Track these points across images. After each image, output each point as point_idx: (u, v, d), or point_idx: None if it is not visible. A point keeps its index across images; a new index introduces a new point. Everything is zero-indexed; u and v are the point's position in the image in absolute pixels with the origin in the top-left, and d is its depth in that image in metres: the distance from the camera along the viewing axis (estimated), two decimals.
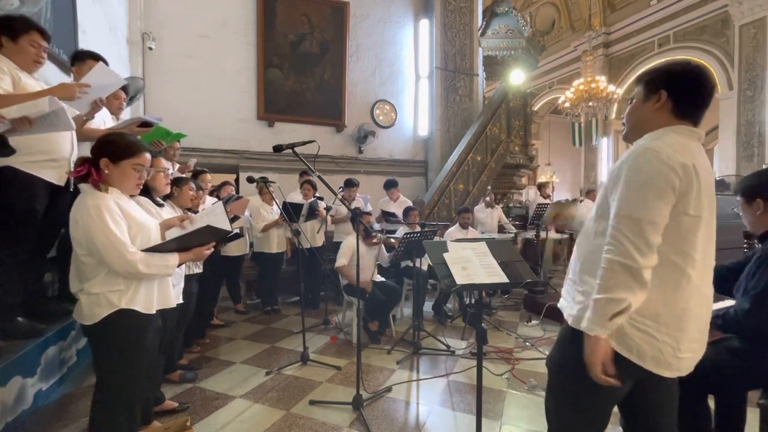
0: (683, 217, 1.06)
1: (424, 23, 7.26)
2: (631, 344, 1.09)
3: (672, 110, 1.14)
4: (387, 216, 4.83)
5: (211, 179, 3.77)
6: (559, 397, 1.28)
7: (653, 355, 1.09)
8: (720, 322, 1.59)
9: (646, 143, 1.10)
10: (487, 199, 6.04)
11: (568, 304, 1.24)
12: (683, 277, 1.08)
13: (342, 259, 3.76)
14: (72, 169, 2.16)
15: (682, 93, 1.13)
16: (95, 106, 2.22)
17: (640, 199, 1.04)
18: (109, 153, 1.53)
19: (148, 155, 1.63)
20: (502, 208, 6.53)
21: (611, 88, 9.17)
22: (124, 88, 2.88)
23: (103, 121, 2.54)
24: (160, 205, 2.16)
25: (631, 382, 1.18)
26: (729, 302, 1.84)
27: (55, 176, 2.12)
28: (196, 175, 3.50)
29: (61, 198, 2.20)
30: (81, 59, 2.46)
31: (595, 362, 1.08)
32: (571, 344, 1.17)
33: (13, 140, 1.83)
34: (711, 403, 1.72)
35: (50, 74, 2.80)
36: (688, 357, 1.13)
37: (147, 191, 2.02)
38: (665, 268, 1.07)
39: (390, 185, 5.37)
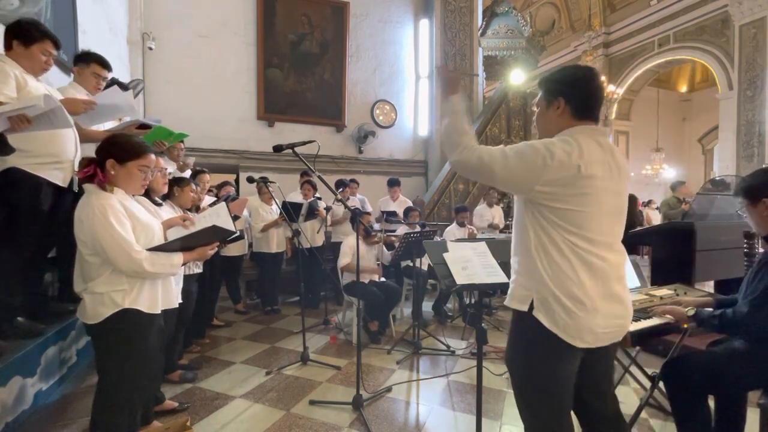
0: (568, 212, 1.19)
1: (424, 23, 7.26)
2: (557, 319, 1.19)
3: (572, 114, 1.27)
4: (387, 216, 4.83)
5: (210, 179, 3.77)
6: (522, 387, 1.34)
7: (575, 327, 1.18)
8: (716, 322, 1.59)
9: (552, 139, 1.25)
10: (493, 200, 6.05)
11: (508, 292, 1.35)
12: (589, 255, 1.19)
13: (345, 258, 3.75)
14: (76, 170, 2.17)
15: (577, 98, 1.26)
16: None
17: (514, 150, 1.23)
18: (116, 154, 1.53)
19: (153, 156, 1.64)
20: (502, 208, 6.53)
21: (611, 88, 9.18)
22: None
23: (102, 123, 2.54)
24: (159, 205, 2.17)
25: (573, 363, 1.26)
26: (713, 296, 1.84)
27: (60, 177, 2.13)
28: (195, 175, 3.49)
29: (64, 199, 2.21)
30: (86, 61, 2.44)
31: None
32: (517, 334, 1.32)
33: (21, 142, 1.84)
34: (711, 403, 1.72)
35: (50, 74, 2.78)
36: (608, 332, 1.23)
37: (145, 191, 2.02)
38: (567, 251, 1.19)
39: (393, 183, 5.37)
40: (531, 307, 1.23)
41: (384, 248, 4.12)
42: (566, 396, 1.29)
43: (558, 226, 1.20)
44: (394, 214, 4.79)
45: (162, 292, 1.65)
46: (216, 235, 1.67)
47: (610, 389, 1.44)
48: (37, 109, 1.70)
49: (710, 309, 1.68)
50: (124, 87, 2.83)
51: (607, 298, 1.21)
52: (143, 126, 2.48)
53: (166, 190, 2.29)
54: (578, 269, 1.19)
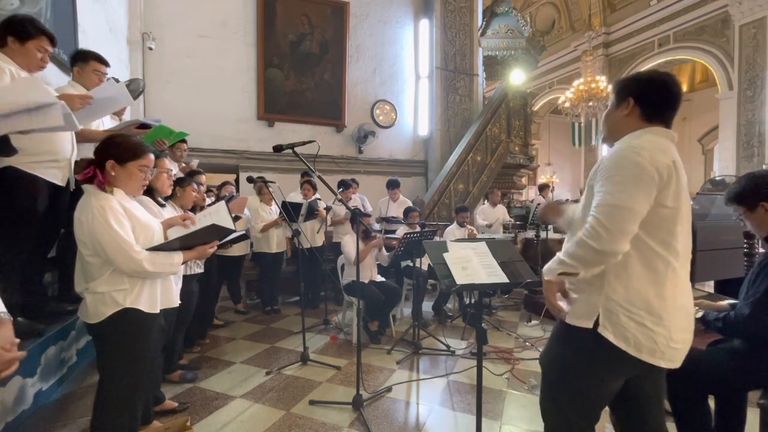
0: (662, 210, 1.13)
1: (424, 23, 7.26)
2: (628, 336, 1.14)
3: (641, 115, 1.24)
4: (387, 220, 4.83)
5: (206, 180, 3.75)
6: (556, 395, 1.31)
7: (649, 346, 1.14)
8: (720, 324, 1.59)
9: (628, 141, 1.19)
10: (497, 199, 6.08)
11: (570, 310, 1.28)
12: (668, 268, 1.15)
13: (353, 254, 3.73)
14: (73, 170, 2.17)
15: (647, 99, 1.23)
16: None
17: (620, 191, 1.11)
18: (115, 155, 1.53)
19: (152, 156, 1.64)
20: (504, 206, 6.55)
21: (611, 88, 9.16)
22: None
23: (102, 122, 2.54)
24: (162, 206, 2.17)
25: (624, 377, 1.24)
26: (728, 301, 1.85)
27: (57, 176, 2.12)
28: (191, 175, 3.49)
29: (61, 198, 2.20)
30: (84, 60, 2.44)
31: (548, 296, 1.25)
32: (566, 341, 1.27)
33: (16, 141, 1.83)
34: (711, 403, 1.72)
35: (50, 74, 2.80)
36: (680, 347, 1.18)
37: (149, 191, 2.02)
38: (653, 260, 1.15)
39: (393, 185, 5.37)
40: (596, 324, 1.18)
41: (383, 249, 4.12)
42: (602, 408, 1.28)
43: (648, 230, 1.14)
44: (394, 218, 4.79)
45: (162, 292, 1.65)
46: (215, 233, 1.67)
47: (662, 416, 1.35)
48: (54, 125, 1.68)
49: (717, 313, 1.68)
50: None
51: (683, 310, 1.18)
52: (143, 126, 2.48)
53: (170, 191, 2.30)
54: (661, 278, 1.14)
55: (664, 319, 1.13)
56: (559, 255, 1.22)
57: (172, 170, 2.27)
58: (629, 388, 1.28)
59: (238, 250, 4.25)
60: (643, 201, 1.10)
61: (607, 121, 1.34)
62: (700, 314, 1.66)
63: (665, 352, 1.14)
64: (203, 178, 3.60)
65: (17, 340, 1.02)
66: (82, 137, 2.31)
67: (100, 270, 1.48)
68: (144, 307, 1.54)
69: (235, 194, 4.23)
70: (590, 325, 1.19)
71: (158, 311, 1.63)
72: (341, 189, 4.88)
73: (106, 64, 2.50)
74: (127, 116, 3.08)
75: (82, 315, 1.52)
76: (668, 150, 1.16)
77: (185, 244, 1.62)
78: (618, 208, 1.10)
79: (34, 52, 2.01)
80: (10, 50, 1.97)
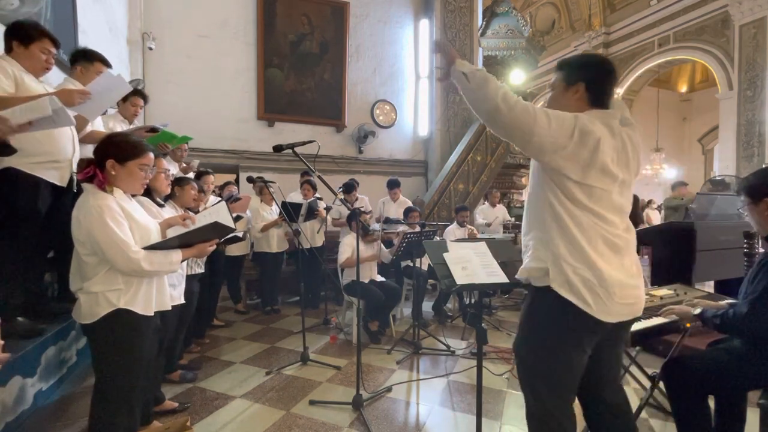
0: (582, 186, 1.21)
1: (424, 23, 7.25)
2: (575, 291, 1.21)
3: (587, 100, 1.31)
4: (387, 220, 4.83)
5: (214, 180, 3.76)
6: (530, 377, 1.36)
7: (594, 300, 1.20)
8: (718, 321, 1.59)
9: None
10: (495, 200, 6.10)
11: (522, 267, 1.36)
12: (596, 228, 1.22)
13: (344, 255, 3.74)
14: (75, 170, 2.17)
15: (596, 85, 1.31)
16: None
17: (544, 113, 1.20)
18: (115, 154, 1.53)
19: (152, 155, 1.65)
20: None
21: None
22: (143, 95, 2.91)
23: (114, 125, 2.57)
24: (161, 206, 2.17)
25: (588, 341, 1.27)
26: (727, 301, 1.85)
27: (58, 177, 2.12)
28: (200, 176, 3.50)
29: (63, 198, 2.20)
30: (89, 60, 2.43)
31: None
32: (529, 318, 1.33)
33: (17, 141, 1.84)
34: (711, 403, 1.72)
35: (50, 74, 2.79)
36: (625, 302, 1.23)
37: (148, 192, 2.02)
38: (581, 222, 1.22)
39: (393, 185, 5.37)
40: (548, 283, 1.24)
41: (382, 246, 4.12)
42: (574, 382, 1.31)
43: (574, 200, 1.22)
44: (391, 219, 4.79)
45: (157, 294, 1.65)
46: (217, 232, 1.67)
47: (617, 378, 1.45)
48: (43, 115, 1.70)
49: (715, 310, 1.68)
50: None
51: (625, 272, 1.24)
52: (153, 129, 2.51)
53: (168, 191, 2.30)
54: (594, 245, 1.21)
55: (606, 279, 1.19)
56: (477, 73, 1.28)
57: (170, 170, 2.28)
58: (589, 364, 1.33)
59: (238, 249, 4.25)
60: (555, 128, 1.17)
61: (553, 104, 1.36)
62: (698, 310, 1.66)
63: (611, 308, 1.20)
64: (211, 178, 3.61)
65: (1, 342, 1.02)
66: (92, 139, 2.32)
67: (95, 269, 1.47)
68: (138, 308, 1.53)
69: (234, 193, 4.24)
70: (541, 283, 1.26)
71: (151, 313, 1.62)
72: (341, 189, 4.87)
73: (109, 66, 2.51)
74: (132, 123, 3.10)
75: (76, 315, 1.52)
76: (606, 134, 1.22)
77: (185, 242, 1.62)
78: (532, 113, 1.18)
79: (38, 55, 2.05)
80: (15, 54, 2.01)
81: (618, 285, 1.21)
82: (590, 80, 1.30)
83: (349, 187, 4.96)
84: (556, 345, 1.27)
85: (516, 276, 1.37)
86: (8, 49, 2.01)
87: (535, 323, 1.33)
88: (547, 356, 1.29)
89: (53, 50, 2.11)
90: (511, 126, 1.19)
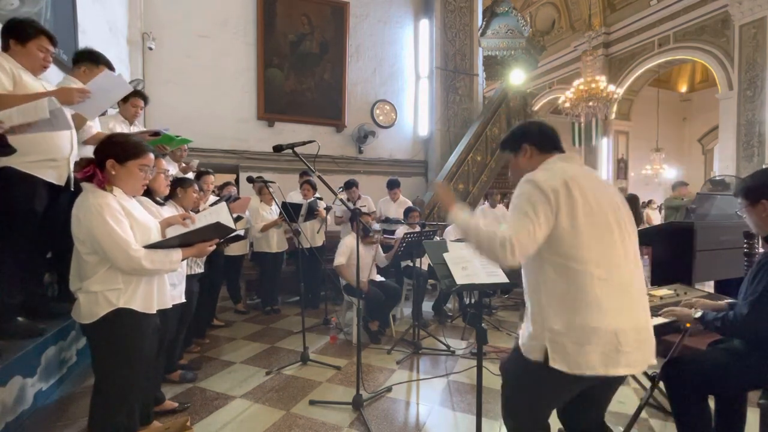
0: (561, 231, 1.19)
1: (424, 23, 7.26)
2: (580, 361, 1.15)
3: (539, 152, 1.42)
4: (387, 220, 4.84)
5: (214, 180, 3.76)
6: (512, 408, 1.43)
7: (601, 361, 1.15)
8: (719, 324, 1.59)
9: (527, 176, 1.29)
10: (496, 200, 6.10)
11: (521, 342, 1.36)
12: (589, 277, 1.17)
13: (340, 258, 3.75)
14: (73, 169, 2.17)
15: (538, 137, 1.43)
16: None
17: (519, 208, 1.23)
18: (115, 154, 1.53)
19: (152, 156, 1.65)
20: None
21: (611, 88, 9.15)
22: (143, 96, 2.91)
23: (115, 127, 2.57)
24: (161, 205, 2.17)
25: (580, 387, 1.26)
26: (727, 300, 1.84)
27: (55, 176, 2.12)
28: (200, 176, 3.51)
29: (61, 198, 2.20)
30: (95, 62, 2.42)
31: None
32: (526, 362, 1.29)
33: (13, 140, 1.83)
34: (711, 403, 1.72)
35: (50, 74, 2.79)
36: (633, 350, 1.17)
37: (147, 192, 2.02)
38: (572, 275, 1.18)
39: (393, 185, 5.37)
40: (546, 359, 1.20)
41: (380, 249, 4.12)
42: (550, 411, 1.39)
43: (562, 249, 1.19)
44: (391, 220, 4.80)
45: (157, 293, 1.65)
46: (218, 232, 1.68)
47: (601, 416, 1.47)
48: (41, 117, 1.70)
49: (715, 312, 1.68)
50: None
51: (632, 317, 1.20)
52: (156, 134, 2.51)
53: (167, 191, 2.30)
54: (587, 290, 1.16)
55: (601, 330, 1.15)
56: (470, 223, 1.29)
57: (169, 170, 2.28)
58: (583, 394, 1.32)
59: (237, 249, 4.25)
60: (539, 208, 1.19)
61: (515, 172, 1.47)
62: (698, 314, 1.66)
63: (620, 360, 1.15)
64: (211, 178, 3.61)
65: None
66: (96, 140, 2.32)
67: (95, 268, 1.47)
68: (138, 307, 1.53)
69: (234, 193, 4.24)
70: (541, 359, 1.22)
71: (154, 312, 1.62)
72: (341, 189, 4.88)
73: (113, 70, 2.51)
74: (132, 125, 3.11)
75: (76, 315, 1.52)
76: (564, 172, 1.25)
77: (185, 241, 1.62)
78: (521, 213, 1.21)
79: (35, 53, 2.03)
80: (12, 52, 2.00)
81: (621, 333, 1.16)
82: (530, 137, 1.43)
83: (349, 184, 4.98)
84: (549, 391, 1.30)
85: (523, 352, 1.31)
86: (5, 47, 1.99)
87: (527, 383, 1.34)
88: (534, 393, 1.33)
89: (51, 48, 2.09)
90: (523, 257, 1.20)
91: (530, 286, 1.31)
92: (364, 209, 4.88)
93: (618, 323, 1.16)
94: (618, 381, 1.33)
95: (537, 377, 1.27)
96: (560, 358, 1.17)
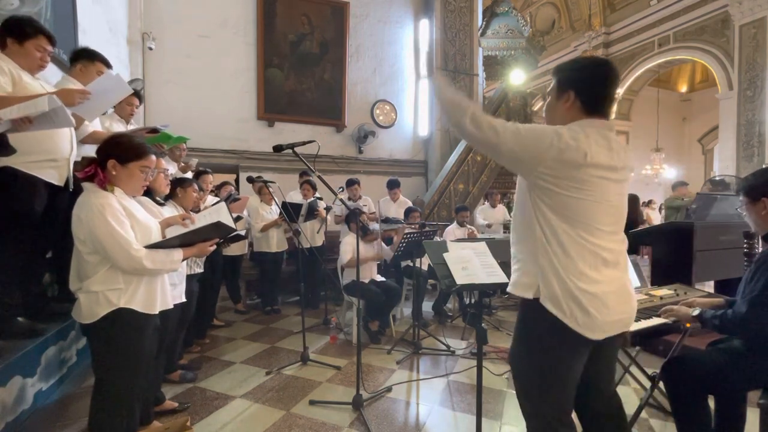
0: (569, 199, 1.17)
1: (424, 23, 7.26)
2: (564, 308, 1.17)
3: (581, 108, 1.24)
4: (387, 221, 4.83)
5: (213, 180, 3.77)
6: (527, 389, 1.34)
7: (583, 319, 1.17)
8: (717, 322, 1.59)
9: (558, 127, 1.22)
10: (496, 200, 6.11)
11: (511, 281, 1.35)
12: (588, 244, 1.19)
13: (347, 255, 3.74)
14: (72, 169, 2.16)
15: (588, 92, 1.23)
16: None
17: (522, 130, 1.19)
18: (117, 155, 1.54)
19: (154, 157, 1.65)
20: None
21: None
22: (138, 95, 2.91)
23: (111, 125, 2.56)
24: (161, 205, 2.17)
25: (581, 353, 1.26)
26: (725, 298, 1.84)
27: (55, 176, 2.11)
28: (198, 175, 3.50)
29: (61, 198, 2.20)
30: (90, 59, 2.42)
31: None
32: (522, 331, 1.32)
33: (13, 140, 1.83)
34: (711, 403, 1.72)
35: (50, 74, 2.79)
36: (616, 319, 1.21)
37: (147, 191, 2.02)
38: (573, 239, 1.18)
39: (393, 185, 5.37)
40: (537, 296, 1.22)
41: (383, 244, 4.11)
42: (571, 392, 1.29)
43: (561, 216, 1.19)
44: (391, 220, 4.80)
45: (159, 293, 1.65)
46: (218, 231, 1.68)
47: (611, 387, 1.44)
48: (41, 111, 1.70)
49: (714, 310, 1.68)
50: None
51: (615, 285, 1.22)
52: (155, 131, 2.50)
53: (167, 190, 2.30)
54: (583, 260, 1.18)
55: (589, 293, 1.16)
56: (456, 99, 1.24)
57: (168, 170, 2.28)
58: (583, 373, 1.32)
59: (236, 249, 4.26)
60: (525, 142, 1.17)
61: (548, 113, 1.34)
62: (696, 312, 1.66)
63: (598, 325, 1.17)
64: (210, 177, 3.62)
65: None
66: (94, 139, 2.32)
67: (95, 268, 1.47)
68: (139, 307, 1.53)
69: (233, 193, 4.24)
70: (531, 296, 1.23)
71: (155, 312, 1.62)
72: (341, 189, 4.88)
73: (110, 67, 2.51)
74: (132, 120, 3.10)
75: (76, 315, 1.52)
76: (599, 144, 1.18)
77: (186, 241, 1.62)
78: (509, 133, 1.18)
79: (33, 52, 2.01)
80: (10, 51, 1.97)
81: (608, 299, 1.18)
82: (580, 87, 1.24)
83: (350, 182, 4.98)
84: (549, 359, 1.26)
85: (507, 290, 1.35)
86: (2, 46, 1.97)
87: (527, 338, 1.32)
88: (541, 370, 1.27)
89: (49, 48, 2.07)
90: (477, 142, 1.22)
91: (524, 234, 1.29)
92: (365, 209, 4.89)
93: (607, 290, 1.19)
94: (609, 351, 1.37)
95: (533, 334, 1.27)
96: (549, 296, 1.19)
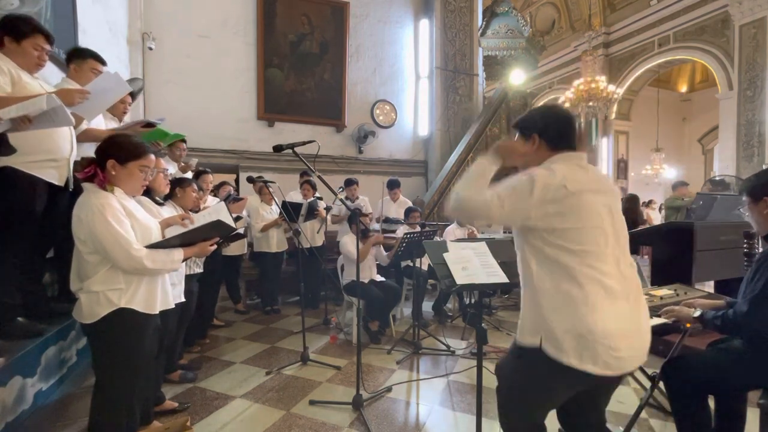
0: (568, 231, 1.20)
1: (424, 23, 7.26)
2: (568, 350, 1.16)
3: (548, 146, 1.35)
4: (387, 220, 4.84)
5: (213, 180, 3.77)
6: (507, 409, 1.43)
7: (591, 357, 1.15)
8: (718, 322, 1.59)
9: (533, 169, 1.28)
10: None
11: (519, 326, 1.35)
12: (591, 279, 1.18)
13: (352, 253, 3.71)
14: (72, 169, 2.16)
15: (549, 131, 1.35)
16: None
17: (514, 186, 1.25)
18: (116, 155, 1.54)
19: (153, 157, 1.65)
20: None
21: (611, 88, 9.15)
22: (131, 93, 2.89)
23: (101, 121, 2.53)
24: (161, 205, 2.17)
25: (577, 388, 1.27)
26: (726, 299, 1.84)
27: (56, 176, 2.11)
28: (198, 175, 3.50)
29: (61, 198, 2.20)
30: (82, 57, 2.42)
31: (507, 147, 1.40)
32: (520, 356, 1.32)
33: (13, 140, 1.83)
34: (711, 403, 1.72)
35: (50, 74, 2.80)
36: (625, 355, 1.17)
37: (147, 191, 2.02)
38: (573, 276, 1.18)
39: (393, 185, 5.37)
40: (541, 342, 1.21)
41: (381, 248, 4.12)
42: (547, 412, 1.36)
43: (561, 248, 1.19)
44: (391, 219, 4.80)
45: (160, 294, 1.65)
46: (218, 230, 1.68)
47: (601, 416, 1.44)
48: (39, 110, 1.70)
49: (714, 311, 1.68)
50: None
51: (626, 320, 1.18)
52: (149, 125, 2.48)
53: (167, 190, 2.30)
54: (591, 294, 1.16)
55: (597, 331, 1.14)
56: (479, 170, 1.33)
57: (168, 169, 2.27)
58: (582, 395, 1.32)
59: (235, 249, 4.25)
60: (509, 205, 1.22)
61: (521, 160, 1.40)
62: (697, 313, 1.66)
63: (609, 362, 1.14)
64: (210, 177, 3.62)
65: None
66: (87, 137, 2.31)
67: (95, 268, 1.47)
68: (139, 307, 1.54)
69: (232, 193, 4.24)
70: (537, 344, 1.22)
71: (156, 312, 1.62)
72: (341, 189, 4.88)
73: (103, 62, 2.49)
74: (127, 118, 3.09)
75: (77, 315, 1.52)
76: (574, 173, 1.24)
77: (186, 240, 1.62)
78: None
79: (31, 51, 2.00)
80: (7, 50, 1.96)
81: (617, 336, 1.15)
82: (542, 128, 1.35)
83: (349, 182, 4.98)
84: (539, 388, 1.28)
85: (517, 339, 1.33)
86: (0, 45, 1.96)
87: (525, 370, 1.31)
88: (526, 394, 1.32)
89: (46, 46, 2.06)
90: (471, 215, 1.29)
91: (526, 279, 1.31)
92: (361, 208, 4.89)
93: (614, 328, 1.15)
94: (613, 383, 1.32)
95: (532, 369, 1.27)
96: (552, 342, 1.19)
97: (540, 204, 1.20)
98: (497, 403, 1.45)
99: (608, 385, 1.33)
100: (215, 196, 4.06)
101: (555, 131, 1.35)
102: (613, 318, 1.16)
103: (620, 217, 1.30)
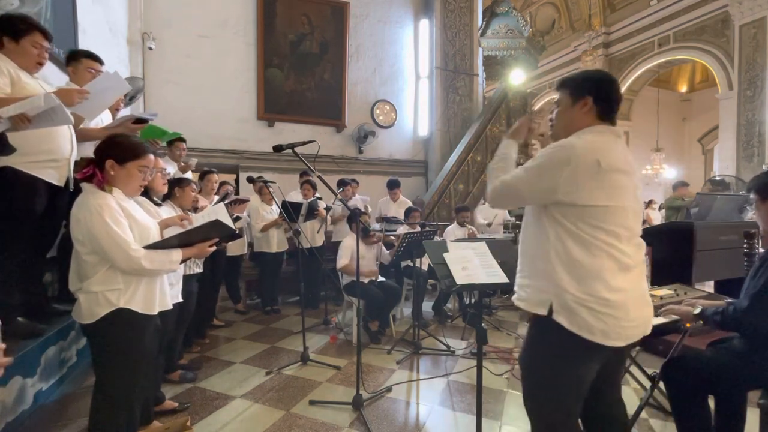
0: (592, 209, 1.20)
1: (424, 23, 7.26)
2: (579, 321, 1.18)
3: (596, 113, 1.31)
4: (387, 220, 4.84)
5: (218, 179, 3.76)
6: (535, 391, 1.35)
7: (601, 329, 1.17)
8: (718, 318, 1.59)
9: (570, 139, 1.28)
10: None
11: (519, 295, 1.35)
12: (609, 252, 1.20)
13: (343, 259, 3.75)
14: (72, 169, 2.16)
15: (603, 98, 1.31)
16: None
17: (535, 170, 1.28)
18: (115, 155, 1.53)
19: (152, 157, 1.64)
20: None
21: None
22: (131, 97, 2.88)
23: (101, 119, 2.53)
24: (159, 205, 2.17)
25: (593, 362, 1.26)
26: (727, 300, 1.84)
27: (56, 176, 2.11)
28: (203, 175, 3.50)
29: (60, 198, 2.20)
30: (76, 59, 2.42)
31: (520, 127, 1.55)
32: (535, 335, 1.32)
33: (14, 140, 1.83)
34: (711, 403, 1.72)
35: (50, 74, 2.80)
36: (634, 324, 1.22)
37: (145, 191, 2.02)
38: (591, 247, 1.20)
39: (393, 185, 5.37)
40: (550, 311, 1.22)
41: (383, 248, 4.12)
42: (580, 399, 1.30)
43: (584, 223, 1.20)
44: (394, 218, 4.80)
45: (159, 294, 1.65)
46: (216, 230, 1.67)
47: (616, 392, 1.44)
48: (37, 109, 1.70)
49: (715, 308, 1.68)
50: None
51: (633, 293, 1.22)
52: (139, 120, 2.45)
53: (165, 190, 2.30)
54: (605, 267, 1.18)
55: (610, 301, 1.17)
56: (504, 153, 1.51)
57: (166, 169, 2.27)
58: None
59: (235, 249, 4.25)
60: (538, 184, 1.25)
61: (561, 119, 1.39)
62: (698, 309, 1.67)
63: (620, 332, 1.18)
64: (215, 177, 3.62)
65: (3, 345, 1.01)
66: (81, 136, 2.30)
67: (94, 268, 1.47)
68: (138, 307, 1.53)
69: (230, 192, 4.24)
70: (545, 312, 1.23)
71: (155, 312, 1.62)
72: (340, 189, 4.88)
73: (98, 61, 2.48)
74: (123, 110, 3.06)
75: (76, 315, 1.52)
76: (603, 149, 1.22)
77: (184, 241, 1.61)
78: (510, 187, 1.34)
79: (29, 49, 1.99)
80: (7, 50, 1.96)
81: (629, 306, 1.19)
82: (597, 93, 1.30)
83: (341, 183, 4.98)
84: (561, 368, 1.26)
85: (516, 304, 1.34)
86: None
87: (539, 347, 1.32)
88: (552, 377, 1.27)
89: (45, 44, 2.05)
90: (500, 197, 1.39)
91: (539, 248, 1.29)
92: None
93: (627, 301, 1.19)
94: (621, 356, 1.39)
95: (547, 342, 1.27)
96: (563, 312, 1.20)
97: (570, 185, 1.19)
98: (525, 395, 1.37)
99: (620, 356, 1.37)
100: (216, 195, 4.07)
101: (609, 100, 1.31)
102: (625, 290, 1.19)
103: (640, 198, 1.31)
